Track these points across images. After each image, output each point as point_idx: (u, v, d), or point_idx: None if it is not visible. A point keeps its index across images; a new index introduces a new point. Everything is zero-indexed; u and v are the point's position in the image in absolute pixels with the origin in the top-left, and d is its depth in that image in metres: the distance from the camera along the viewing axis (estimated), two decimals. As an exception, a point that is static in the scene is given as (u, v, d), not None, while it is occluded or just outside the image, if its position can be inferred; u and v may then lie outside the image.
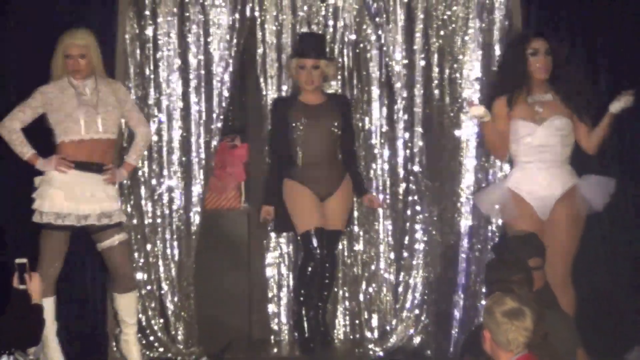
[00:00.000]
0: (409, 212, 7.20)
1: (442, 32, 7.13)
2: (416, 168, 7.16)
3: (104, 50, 6.47)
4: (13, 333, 4.96)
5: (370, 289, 7.29)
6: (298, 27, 7.19)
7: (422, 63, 7.13)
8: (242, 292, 7.45)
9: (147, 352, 6.96)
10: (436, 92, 7.13)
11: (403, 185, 7.22)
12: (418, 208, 7.17)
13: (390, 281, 7.25)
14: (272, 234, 7.25)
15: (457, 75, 7.12)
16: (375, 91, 7.25)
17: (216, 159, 7.29)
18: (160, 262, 7.07)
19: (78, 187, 6.22)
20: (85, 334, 6.80)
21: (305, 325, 6.77)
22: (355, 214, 7.26)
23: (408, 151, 7.17)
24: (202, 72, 7.08)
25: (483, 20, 7.06)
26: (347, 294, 7.32)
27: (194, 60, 7.07)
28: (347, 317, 7.34)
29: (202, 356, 6.92)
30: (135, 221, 7.00)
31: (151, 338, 7.02)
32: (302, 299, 6.78)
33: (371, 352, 7.14)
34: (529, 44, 6.42)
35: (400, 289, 7.22)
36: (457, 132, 7.11)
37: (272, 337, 7.30)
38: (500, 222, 6.85)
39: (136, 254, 7.00)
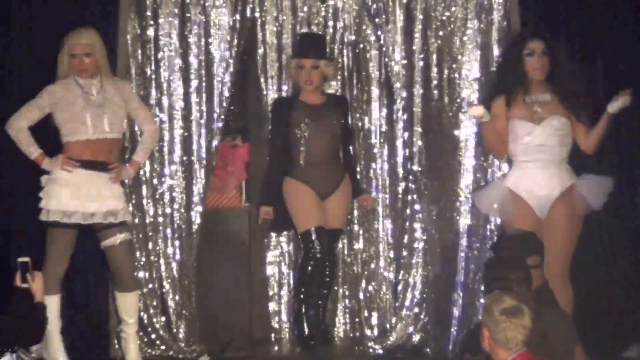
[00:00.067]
0: (408, 211, 7.22)
1: (441, 33, 7.14)
2: (415, 167, 7.17)
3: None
4: (15, 331, 4.97)
5: (370, 288, 7.31)
6: (298, 28, 7.20)
7: (421, 63, 7.14)
8: (243, 291, 7.44)
9: (149, 350, 6.98)
10: (435, 92, 7.14)
11: (402, 185, 7.23)
12: (417, 207, 7.18)
13: (389, 280, 7.26)
14: (273, 233, 7.26)
15: (456, 75, 7.13)
16: (375, 91, 7.27)
17: (217, 158, 7.30)
18: (162, 261, 7.09)
19: (84, 186, 6.22)
20: (87, 332, 6.83)
21: (306, 323, 6.76)
22: (355, 212, 7.28)
23: (407, 151, 7.18)
24: (203, 72, 7.10)
25: (481, 21, 7.08)
26: (347, 293, 7.33)
27: (194, 60, 7.09)
28: (347, 315, 7.35)
29: (203, 354, 6.91)
30: (136, 220, 7.01)
31: (153, 336, 7.04)
32: (302, 297, 6.77)
33: (371, 350, 7.16)
34: (526, 45, 6.43)
35: (399, 288, 7.23)
36: (456, 132, 7.12)
37: (273, 335, 7.31)
38: (498, 221, 6.85)
39: (138, 253, 7.01)
